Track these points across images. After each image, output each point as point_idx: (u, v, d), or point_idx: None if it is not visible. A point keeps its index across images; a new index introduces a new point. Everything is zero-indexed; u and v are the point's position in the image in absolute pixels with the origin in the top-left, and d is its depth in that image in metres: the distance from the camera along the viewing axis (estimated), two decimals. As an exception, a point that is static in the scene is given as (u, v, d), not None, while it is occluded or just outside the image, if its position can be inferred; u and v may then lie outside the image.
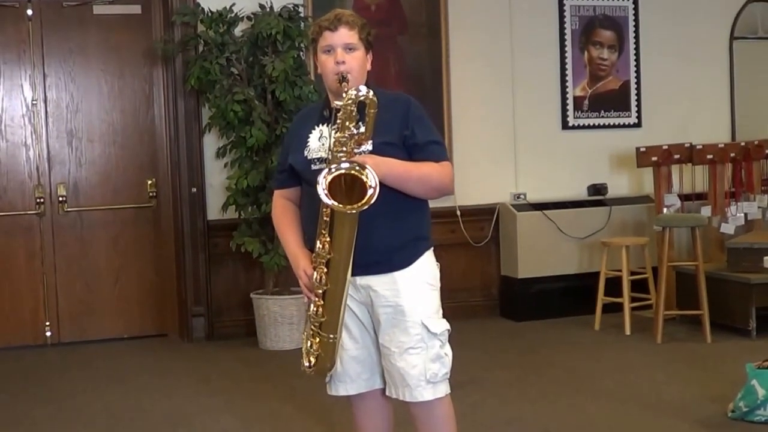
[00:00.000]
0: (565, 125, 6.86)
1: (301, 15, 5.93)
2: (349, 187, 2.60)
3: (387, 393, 2.91)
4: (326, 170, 2.59)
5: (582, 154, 6.85)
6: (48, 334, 6.15)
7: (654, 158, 6.32)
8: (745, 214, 6.41)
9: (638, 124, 7.01)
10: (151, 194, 6.27)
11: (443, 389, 2.86)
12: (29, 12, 6.06)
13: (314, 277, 2.73)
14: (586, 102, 6.90)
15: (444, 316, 2.89)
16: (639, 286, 6.18)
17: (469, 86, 6.59)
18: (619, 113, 6.98)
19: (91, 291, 6.20)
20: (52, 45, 6.12)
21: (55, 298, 6.14)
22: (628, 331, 5.90)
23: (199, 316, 6.13)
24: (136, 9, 6.22)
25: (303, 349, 2.86)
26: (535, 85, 6.76)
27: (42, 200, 6.09)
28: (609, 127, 6.96)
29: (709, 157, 6.34)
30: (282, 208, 3.00)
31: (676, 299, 6.11)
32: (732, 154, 6.38)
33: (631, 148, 6.52)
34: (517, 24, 6.71)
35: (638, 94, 7.01)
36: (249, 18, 5.88)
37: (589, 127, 6.91)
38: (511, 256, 6.49)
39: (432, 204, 2.92)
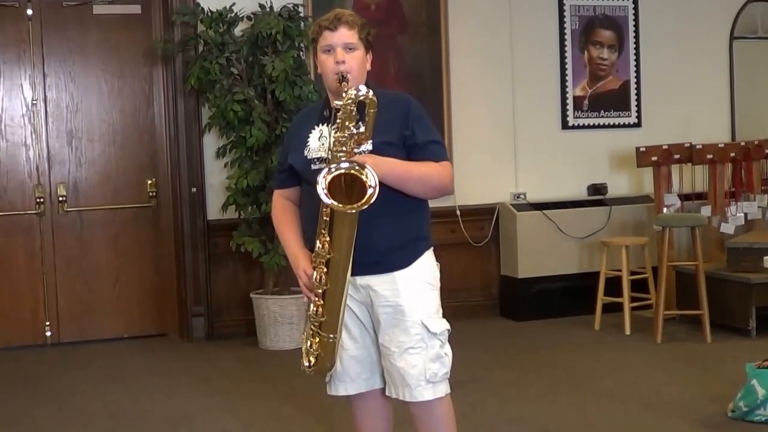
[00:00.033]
0: (565, 125, 6.86)
1: (301, 15, 5.93)
2: (348, 186, 2.60)
3: (387, 393, 2.91)
4: (326, 170, 2.59)
5: (582, 153, 6.85)
6: (48, 333, 6.15)
7: (654, 158, 6.31)
8: (745, 214, 6.41)
9: (638, 124, 7.01)
10: (151, 194, 6.27)
11: (443, 389, 2.86)
12: (29, 12, 6.06)
13: (314, 276, 2.73)
14: (586, 102, 6.90)
15: (444, 316, 2.89)
16: (639, 285, 6.18)
17: (469, 86, 6.59)
18: (619, 113, 6.98)
19: (91, 291, 6.20)
20: (52, 45, 6.11)
21: (55, 297, 6.14)
22: (628, 331, 5.90)
23: (199, 315, 6.13)
24: (136, 9, 6.22)
25: (303, 348, 2.86)
26: (535, 85, 6.76)
27: (42, 200, 6.09)
28: (609, 126, 6.96)
29: (709, 156, 6.34)
30: (282, 207, 3.00)
31: (676, 299, 6.11)
32: (732, 154, 6.38)
33: (631, 147, 6.52)
34: (517, 24, 6.71)
35: (638, 94, 7.01)
36: (249, 18, 5.88)
37: (589, 126, 6.91)
38: (511, 256, 6.49)
39: (432, 204, 2.92)
